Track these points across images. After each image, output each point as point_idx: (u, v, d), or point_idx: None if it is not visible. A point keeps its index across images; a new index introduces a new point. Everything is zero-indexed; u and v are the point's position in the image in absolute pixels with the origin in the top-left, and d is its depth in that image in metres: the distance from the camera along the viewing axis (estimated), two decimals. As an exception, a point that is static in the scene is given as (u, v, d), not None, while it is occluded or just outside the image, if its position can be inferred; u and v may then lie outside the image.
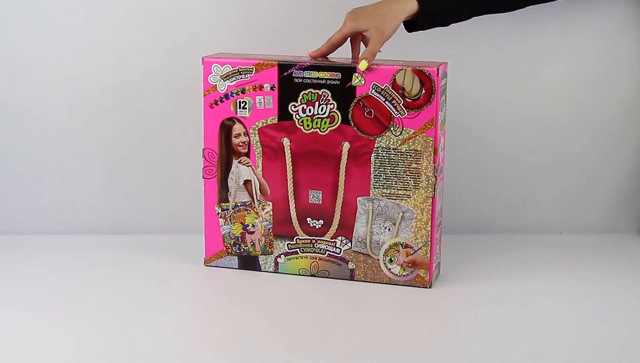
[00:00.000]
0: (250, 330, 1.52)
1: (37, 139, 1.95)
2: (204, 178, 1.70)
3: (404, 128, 1.67)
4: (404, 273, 1.71)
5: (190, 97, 1.91)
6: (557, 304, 1.64)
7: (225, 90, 1.69)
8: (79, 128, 1.94)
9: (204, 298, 1.69)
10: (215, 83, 1.70)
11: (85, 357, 1.45)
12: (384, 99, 1.66)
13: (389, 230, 1.71)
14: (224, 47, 1.87)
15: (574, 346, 1.49)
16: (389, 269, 1.72)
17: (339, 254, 1.73)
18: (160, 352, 1.46)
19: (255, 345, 1.47)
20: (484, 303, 1.64)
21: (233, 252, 1.70)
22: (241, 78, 1.68)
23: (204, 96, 1.70)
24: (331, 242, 1.72)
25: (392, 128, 1.67)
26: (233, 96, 1.68)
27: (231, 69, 1.68)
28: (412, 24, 1.71)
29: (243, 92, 1.68)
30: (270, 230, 1.67)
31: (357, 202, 1.71)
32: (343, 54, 1.72)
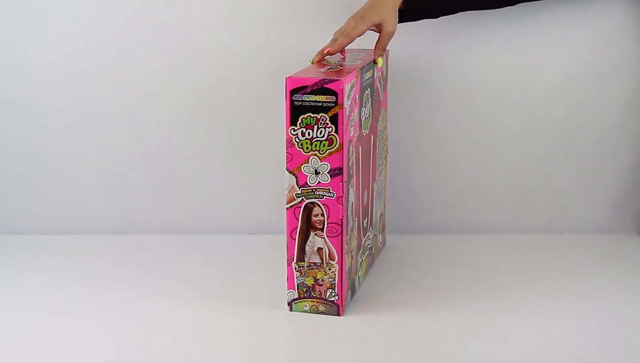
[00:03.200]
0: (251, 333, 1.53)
1: (37, 139, 1.94)
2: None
3: (381, 109, 1.76)
4: (382, 239, 1.86)
5: (191, 97, 1.91)
6: (556, 304, 1.64)
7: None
8: (79, 128, 1.94)
9: (205, 298, 1.69)
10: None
11: (84, 357, 1.45)
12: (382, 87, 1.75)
13: (379, 204, 1.82)
14: (224, 47, 1.88)
15: (573, 345, 1.49)
16: (379, 240, 1.85)
17: (370, 246, 1.78)
18: (160, 354, 1.46)
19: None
20: (483, 302, 1.64)
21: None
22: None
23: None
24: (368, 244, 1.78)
25: (380, 113, 1.76)
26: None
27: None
28: (401, 14, 1.72)
29: None
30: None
31: (375, 193, 1.78)
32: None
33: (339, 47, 1.67)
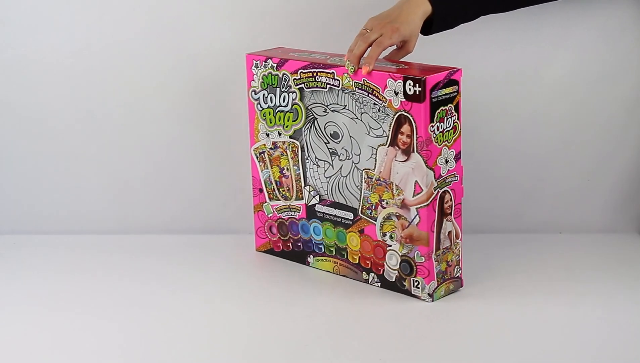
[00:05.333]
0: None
1: (38, 139, 1.95)
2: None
3: None
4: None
5: (191, 98, 1.91)
6: (556, 304, 1.64)
7: None
8: (79, 128, 1.94)
9: (204, 298, 1.69)
10: None
11: (85, 357, 1.45)
12: None
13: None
14: (224, 48, 1.88)
15: (573, 346, 1.49)
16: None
17: None
18: (161, 354, 1.47)
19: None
20: (483, 303, 1.64)
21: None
22: None
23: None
24: None
25: None
26: None
27: None
28: (426, 28, 1.69)
29: None
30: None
31: None
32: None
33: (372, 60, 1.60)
